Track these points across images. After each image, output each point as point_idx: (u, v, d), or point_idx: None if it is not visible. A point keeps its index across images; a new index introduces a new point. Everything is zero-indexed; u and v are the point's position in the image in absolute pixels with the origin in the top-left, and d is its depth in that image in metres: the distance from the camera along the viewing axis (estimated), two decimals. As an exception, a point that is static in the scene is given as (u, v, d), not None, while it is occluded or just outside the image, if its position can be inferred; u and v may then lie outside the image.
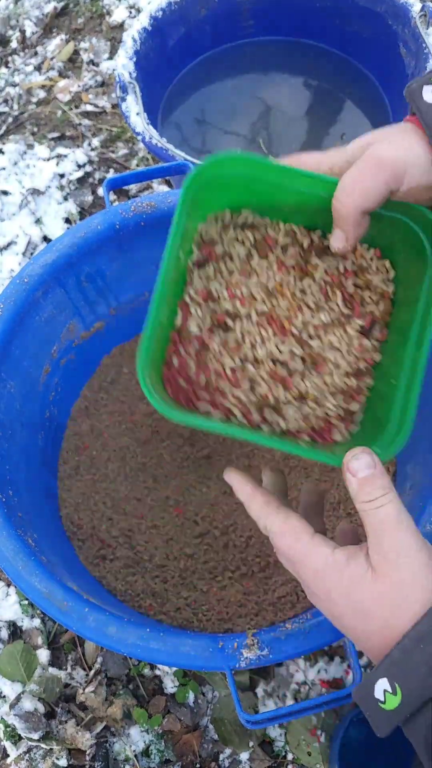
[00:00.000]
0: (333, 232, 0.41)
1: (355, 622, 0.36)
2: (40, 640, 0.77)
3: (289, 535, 0.38)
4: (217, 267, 0.42)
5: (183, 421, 0.37)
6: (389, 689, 0.33)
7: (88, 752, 0.71)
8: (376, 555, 0.35)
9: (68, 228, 1.09)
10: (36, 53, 1.37)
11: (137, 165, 1.19)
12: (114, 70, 1.30)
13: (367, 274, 0.43)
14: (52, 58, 1.35)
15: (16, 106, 1.30)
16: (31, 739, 0.71)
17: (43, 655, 0.76)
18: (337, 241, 0.41)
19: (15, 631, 0.79)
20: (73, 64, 1.35)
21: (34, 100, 1.30)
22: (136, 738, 0.72)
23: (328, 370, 0.41)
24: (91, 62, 1.34)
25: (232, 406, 0.39)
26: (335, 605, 0.36)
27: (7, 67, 1.37)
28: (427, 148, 0.38)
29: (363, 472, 0.36)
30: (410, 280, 0.42)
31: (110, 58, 1.34)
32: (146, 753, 0.72)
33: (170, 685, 0.75)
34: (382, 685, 0.33)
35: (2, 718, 0.73)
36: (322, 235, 0.43)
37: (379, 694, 0.33)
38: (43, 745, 0.71)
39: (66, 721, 0.72)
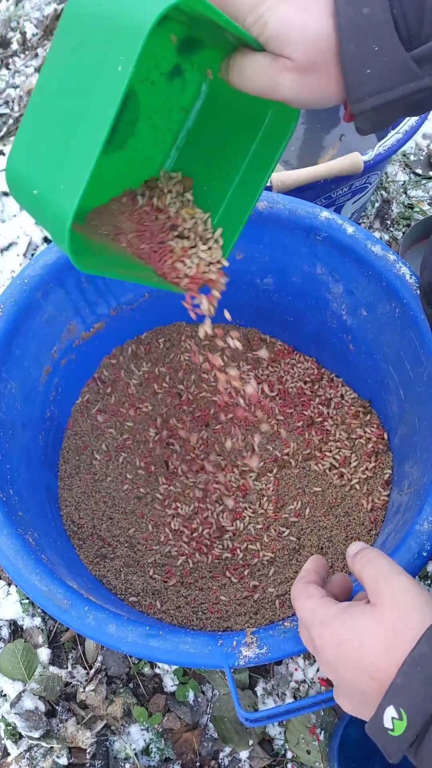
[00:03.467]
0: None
1: (362, 652, 0.37)
2: (40, 639, 0.78)
3: (303, 596, 0.43)
4: None
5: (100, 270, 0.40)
6: (396, 716, 0.35)
7: (88, 750, 0.71)
8: (374, 596, 0.40)
9: (69, 229, 1.09)
10: (36, 55, 1.38)
11: (137, 166, 1.19)
12: (114, 71, 1.31)
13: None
14: (52, 60, 1.35)
15: (16, 108, 1.30)
16: (31, 738, 0.71)
17: (44, 653, 0.77)
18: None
19: (16, 629, 0.79)
20: (73, 65, 1.36)
21: (35, 101, 1.31)
22: (136, 736, 0.73)
23: None
24: (92, 64, 1.34)
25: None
26: (341, 647, 0.39)
27: (8, 68, 1.38)
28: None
29: (357, 548, 0.44)
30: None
31: (110, 59, 1.34)
32: (146, 751, 0.72)
33: (170, 684, 0.75)
34: (390, 713, 0.35)
35: (3, 717, 0.74)
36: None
37: (388, 722, 0.35)
38: (43, 744, 0.71)
39: (66, 720, 0.73)
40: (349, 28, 0.37)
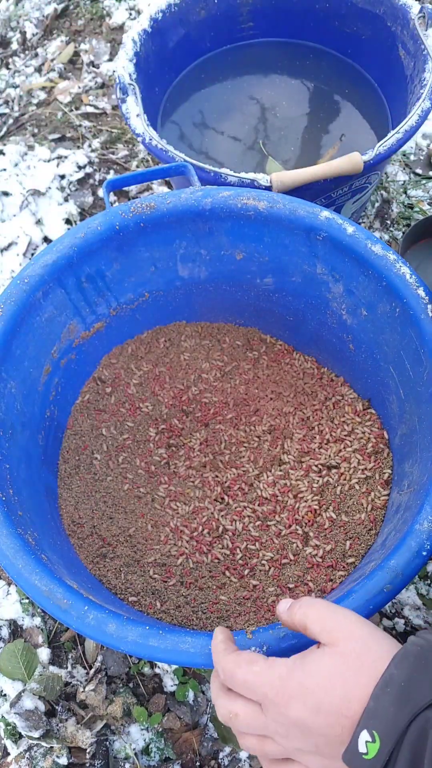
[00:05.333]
0: None
1: (333, 693, 0.37)
2: (40, 639, 0.78)
3: (244, 663, 0.41)
4: None
5: None
6: (369, 739, 0.35)
7: (88, 750, 0.71)
8: (326, 636, 0.39)
9: (68, 229, 1.09)
10: (36, 55, 1.38)
11: (137, 166, 1.19)
12: (114, 71, 1.31)
13: None
14: (52, 60, 1.35)
15: (16, 108, 1.30)
16: (31, 738, 0.71)
17: (44, 653, 0.77)
18: None
19: (16, 629, 0.79)
20: (73, 65, 1.36)
21: (35, 101, 1.31)
22: (136, 736, 0.72)
23: None
24: (92, 64, 1.34)
25: None
26: (310, 695, 0.37)
27: (7, 68, 1.38)
28: None
29: (288, 602, 0.43)
30: None
31: (110, 59, 1.35)
32: (146, 751, 0.72)
33: (170, 684, 0.75)
34: (364, 738, 0.35)
35: (3, 717, 0.74)
36: None
37: (362, 747, 0.35)
38: (43, 744, 0.71)
39: (66, 720, 0.73)
40: None
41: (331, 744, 0.37)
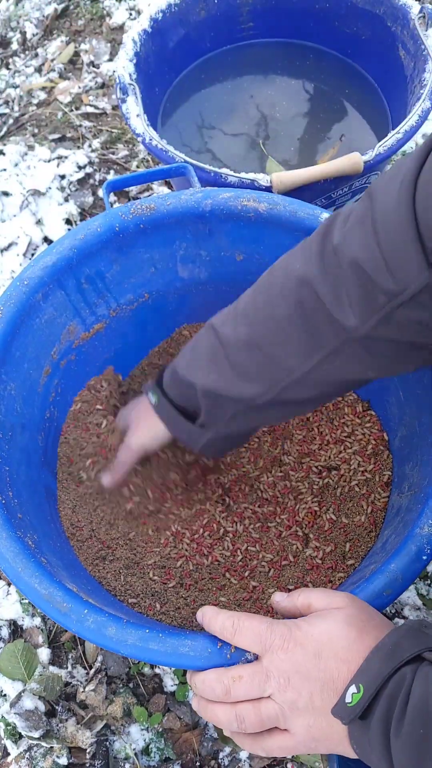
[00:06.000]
0: None
1: (335, 641, 0.42)
2: (40, 639, 0.78)
3: (257, 617, 0.46)
4: None
5: None
6: (355, 690, 0.40)
7: (88, 750, 0.71)
8: (328, 600, 0.45)
9: (69, 229, 1.09)
10: (36, 55, 1.38)
11: (137, 167, 1.19)
12: (114, 71, 1.31)
13: None
14: (52, 60, 1.35)
15: (16, 108, 1.30)
16: (31, 738, 0.72)
17: (44, 653, 0.77)
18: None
19: (16, 629, 0.79)
20: (73, 65, 1.36)
21: (35, 101, 1.31)
22: (136, 736, 0.73)
23: None
24: (92, 64, 1.34)
25: None
26: (315, 640, 0.43)
27: (7, 68, 1.38)
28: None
29: (284, 594, 0.49)
30: None
31: (110, 59, 1.34)
32: (146, 751, 0.72)
33: (170, 684, 0.75)
34: (351, 691, 0.40)
35: (3, 717, 0.74)
36: None
37: (348, 698, 0.40)
38: (43, 744, 0.71)
39: (66, 720, 0.73)
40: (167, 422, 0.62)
41: (325, 693, 0.41)
